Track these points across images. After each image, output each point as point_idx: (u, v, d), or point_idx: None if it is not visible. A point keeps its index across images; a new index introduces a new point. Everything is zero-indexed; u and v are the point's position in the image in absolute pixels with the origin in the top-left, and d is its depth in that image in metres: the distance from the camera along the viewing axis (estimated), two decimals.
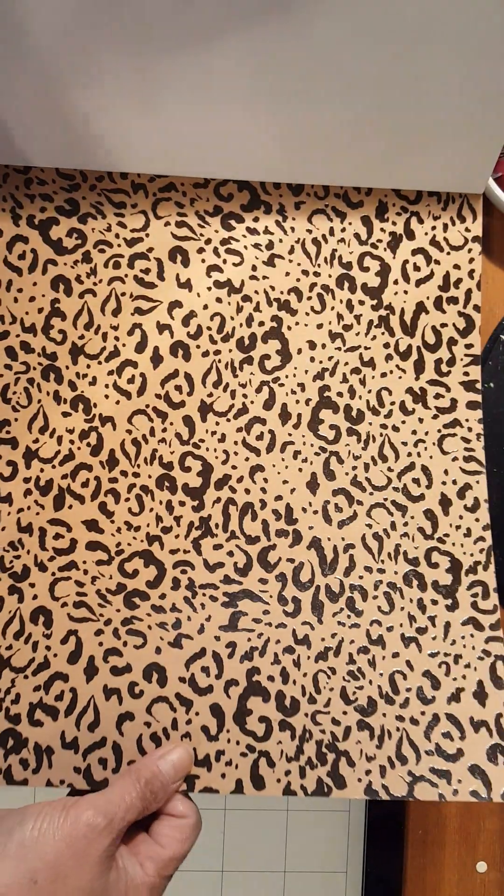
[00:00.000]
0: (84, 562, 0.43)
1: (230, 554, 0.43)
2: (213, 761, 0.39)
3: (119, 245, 0.46)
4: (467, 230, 0.47)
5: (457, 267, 0.47)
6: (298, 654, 0.41)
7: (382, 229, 0.47)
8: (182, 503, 0.44)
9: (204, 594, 0.42)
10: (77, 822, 0.32)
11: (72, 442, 0.44)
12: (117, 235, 0.46)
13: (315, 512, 0.44)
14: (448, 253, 0.47)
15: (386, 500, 0.44)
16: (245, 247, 0.46)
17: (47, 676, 0.41)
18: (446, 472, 0.45)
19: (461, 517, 0.44)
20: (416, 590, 0.43)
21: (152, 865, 0.34)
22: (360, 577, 0.43)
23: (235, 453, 0.45)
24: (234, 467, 0.44)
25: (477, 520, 0.44)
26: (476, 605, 0.43)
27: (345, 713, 0.40)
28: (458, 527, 0.44)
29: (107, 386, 0.45)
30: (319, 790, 0.39)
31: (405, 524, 0.44)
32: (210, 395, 0.45)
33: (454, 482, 0.45)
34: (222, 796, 0.50)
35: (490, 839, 0.55)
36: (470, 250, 0.47)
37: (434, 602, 0.43)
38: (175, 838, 0.36)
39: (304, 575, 0.43)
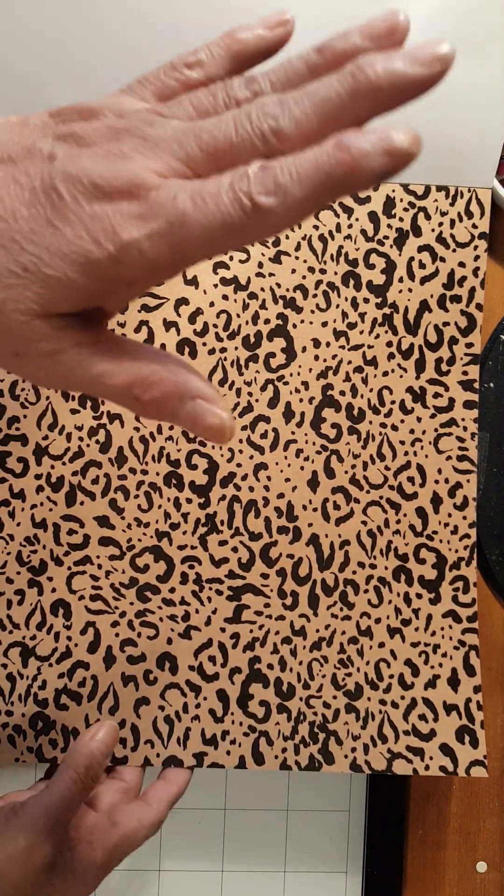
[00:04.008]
0: (98, 556, 0.47)
1: (234, 550, 0.47)
2: (219, 740, 0.47)
3: None
4: (474, 226, 0.49)
5: (462, 265, 0.49)
6: (295, 645, 0.47)
7: (389, 225, 0.49)
8: (189, 500, 0.47)
9: (210, 588, 0.47)
10: (15, 840, 0.36)
11: (80, 439, 0.46)
12: None
13: (315, 510, 0.48)
14: (454, 250, 0.49)
15: (381, 498, 0.49)
16: (252, 243, 0.48)
17: (70, 665, 0.47)
18: (440, 470, 0.48)
19: (450, 515, 0.49)
20: (404, 584, 0.49)
21: (102, 844, 0.38)
22: (354, 573, 0.48)
23: (240, 451, 0.47)
24: (238, 465, 0.47)
25: (464, 517, 0.49)
26: (456, 598, 0.49)
27: (335, 697, 0.47)
28: (446, 524, 0.49)
29: None
30: (311, 765, 0.47)
31: (398, 521, 0.49)
32: None
33: (447, 481, 0.49)
34: (222, 796, 0.53)
35: (490, 839, 0.57)
36: (476, 247, 0.49)
37: (419, 596, 0.49)
38: (130, 821, 0.40)
39: (303, 570, 0.48)
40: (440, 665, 0.48)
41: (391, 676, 0.48)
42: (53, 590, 0.47)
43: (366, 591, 0.48)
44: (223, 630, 0.47)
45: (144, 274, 0.24)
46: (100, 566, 0.47)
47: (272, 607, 0.48)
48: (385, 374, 0.49)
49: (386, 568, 0.49)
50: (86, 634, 0.47)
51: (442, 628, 0.48)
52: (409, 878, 0.57)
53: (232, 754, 0.47)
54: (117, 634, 0.47)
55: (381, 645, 0.48)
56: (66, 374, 0.25)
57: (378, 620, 0.48)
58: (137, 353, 0.25)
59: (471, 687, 0.48)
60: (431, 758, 0.48)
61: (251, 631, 0.48)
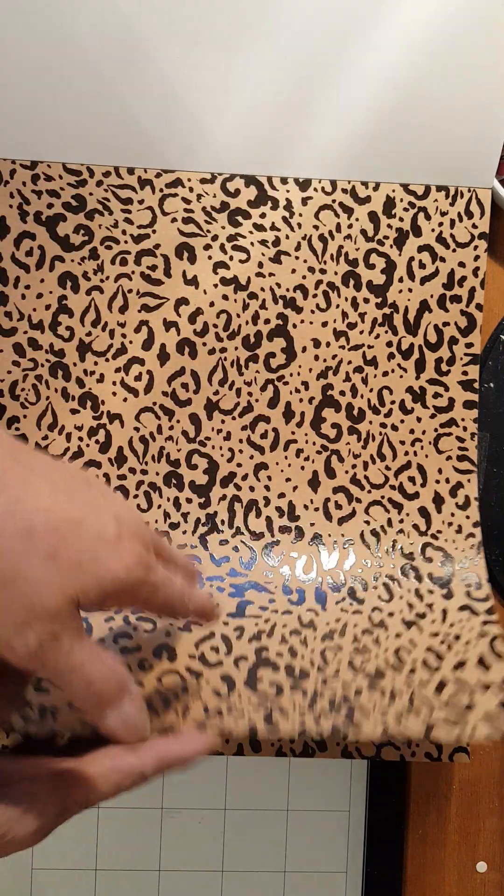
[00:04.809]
0: None
1: (235, 549, 0.47)
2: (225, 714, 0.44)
3: (126, 241, 0.48)
4: (474, 226, 0.50)
5: (461, 265, 0.50)
6: (305, 636, 0.46)
7: (389, 225, 0.50)
8: (189, 500, 0.47)
9: (212, 585, 0.47)
10: None
11: (80, 439, 0.47)
12: (124, 232, 0.48)
13: (316, 509, 0.48)
14: (454, 250, 0.50)
15: (383, 497, 0.49)
16: (252, 243, 0.49)
17: None
18: (440, 470, 0.49)
19: (453, 514, 0.49)
20: (413, 581, 0.48)
21: (49, 785, 0.32)
22: (360, 570, 0.48)
23: (240, 451, 0.48)
24: (239, 465, 0.47)
25: (468, 517, 0.49)
26: (469, 594, 0.48)
27: (353, 679, 0.45)
28: (449, 524, 0.49)
29: (114, 383, 0.47)
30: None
31: (401, 521, 0.49)
32: (216, 392, 0.48)
33: (447, 481, 0.49)
34: (222, 796, 0.53)
35: (490, 839, 0.58)
36: (476, 247, 0.50)
37: (430, 592, 0.48)
38: (103, 759, 0.34)
39: (307, 568, 0.48)
40: (465, 652, 0.48)
41: (414, 660, 0.48)
42: None
43: (375, 588, 0.48)
44: (226, 624, 0.46)
45: None
46: None
47: (277, 602, 0.47)
48: (385, 374, 0.49)
49: (393, 566, 0.49)
50: None
51: (460, 620, 0.48)
52: (409, 878, 0.57)
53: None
54: (111, 629, 0.45)
55: (398, 636, 0.47)
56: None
57: (391, 614, 0.48)
58: None
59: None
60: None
61: (256, 624, 0.46)
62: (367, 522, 0.49)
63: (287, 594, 0.47)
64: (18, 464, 0.29)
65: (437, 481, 0.49)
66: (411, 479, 0.49)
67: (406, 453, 0.49)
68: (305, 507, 0.48)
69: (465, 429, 0.50)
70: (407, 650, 0.46)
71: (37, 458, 0.30)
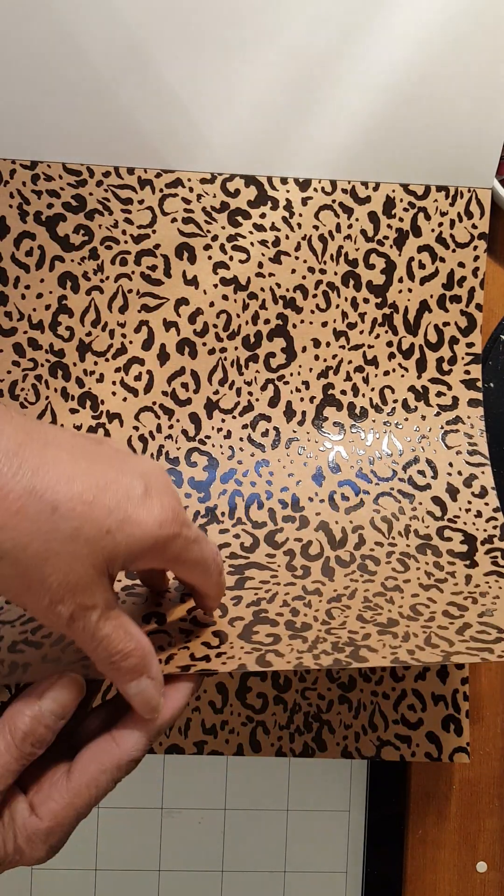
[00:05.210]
0: None
1: (236, 536, 0.47)
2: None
3: (126, 241, 0.48)
4: (474, 227, 0.50)
5: (461, 265, 0.50)
6: (309, 600, 0.42)
7: (389, 225, 0.50)
8: (188, 495, 0.47)
9: None
10: None
11: None
12: (124, 232, 0.48)
13: (321, 501, 0.48)
14: (454, 250, 0.50)
15: (392, 489, 0.49)
16: (252, 243, 0.49)
17: (41, 635, 0.39)
18: (451, 464, 0.49)
19: (470, 502, 0.49)
20: (432, 556, 0.46)
21: (50, 807, 0.32)
22: (372, 550, 0.47)
23: (241, 449, 0.48)
24: (239, 462, 0.47)
25: (486, 503, 0.49)
26: (497, 562, 0.46)
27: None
28: (468, 510, 0.48)
29: (114, 383, 0.48)
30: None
31: (413, 509, 0.48)
32: (216, 392, 0.48)
33: (459, 473, 0.49)
34: (222, 796, 0.53)
35: (490, 839, 0.58)
36: (476, 247, 0.50)
37: (451, 563, 0.46)
38: (86, 769, 0.32)
39: (313, 550, 0.47)
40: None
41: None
42: None
43: (388, 563, 0.46)
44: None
45: None
46: None
47: (280, 577, 0.45)
48: (386, 373, 0.50)
49: (408, 545, 0.47)
50: None
51: (487, 583, 0.44)
52: (409, 878, 0.57)
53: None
54: None
55: (415, 596, 0.43)
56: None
57: (407, 581, 0.44)
58: None
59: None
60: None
61: (256, 594, 0.43)
62: (377, 511, 0.48)
63: (291, 571, 0.45)
64: (32, 438, 0.28)
65: (450, 473, 0.49)
66: (421, 472, 0.49)
67: (413, 449, 0.49)
68: (310, 499, 0.48)
69: (472, 426, 0.50)
70: (425, 605, 0.42)
71: (50, 430, 0.30)
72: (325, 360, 0.49)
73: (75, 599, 0.28)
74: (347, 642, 0.37)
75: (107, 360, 0.48)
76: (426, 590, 0.43)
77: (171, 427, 0.48)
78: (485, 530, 0.47)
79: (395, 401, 0.50)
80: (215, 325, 0.49)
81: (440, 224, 0.50)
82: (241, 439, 0.48)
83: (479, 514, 0.48)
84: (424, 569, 0.45)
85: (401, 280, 0.50)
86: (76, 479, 0.28)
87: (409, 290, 0.50)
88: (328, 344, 0.49)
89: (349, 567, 0.45)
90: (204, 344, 0.49)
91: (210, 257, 0.49)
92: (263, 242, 0.50)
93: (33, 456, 0.28)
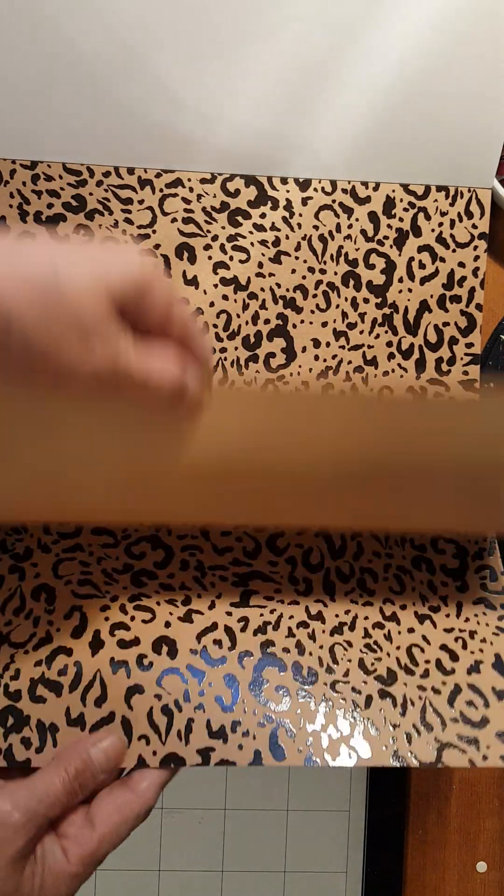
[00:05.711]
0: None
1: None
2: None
3: (126, 241, 0.48)
4: (474, 226, 0.50)
5: (461, 265, 0.50)
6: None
7: (389, 225, 0.50)
8: None
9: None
10: None
11: None
12: (124, 232, 0.49)
13: None
14: (454, 250, 0.50)
15: None
16: (252, 243, 0.49)
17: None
18: None
19: None
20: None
21: (77, 852, 0.34)
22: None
23: None
24: None
25: None
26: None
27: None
28: None
29: None
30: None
31: None
32: None
33: None
34: (222, 796, 0.53)
35: (490, 839, 0.58)
36: (476, 248, 0.50)
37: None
38: (110, 819, 0.35)
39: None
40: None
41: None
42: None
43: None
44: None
45: None
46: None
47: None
48: (385, 373, 0.50)
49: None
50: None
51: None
52: (409, 878, 0.57)
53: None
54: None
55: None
56: None
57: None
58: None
59: None
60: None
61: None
62: None
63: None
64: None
65: None
66: None
67: None
68: None
69: None
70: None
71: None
72: (324, 361, 0.49)
73: (99, 330, 0.31)
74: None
75: None
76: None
77: None
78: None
79: None
80: (215, 325, 0.49)
81: (440, 224, 0.50)
82: None
83: None
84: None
85: (401, 280, 0.50)
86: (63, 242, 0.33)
87: (409, 290, 0.50)
88: (328, 344, 0.50)
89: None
90: None
91: (210, 257, 0.49)
92: (263, 242, 0.50)
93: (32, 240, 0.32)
